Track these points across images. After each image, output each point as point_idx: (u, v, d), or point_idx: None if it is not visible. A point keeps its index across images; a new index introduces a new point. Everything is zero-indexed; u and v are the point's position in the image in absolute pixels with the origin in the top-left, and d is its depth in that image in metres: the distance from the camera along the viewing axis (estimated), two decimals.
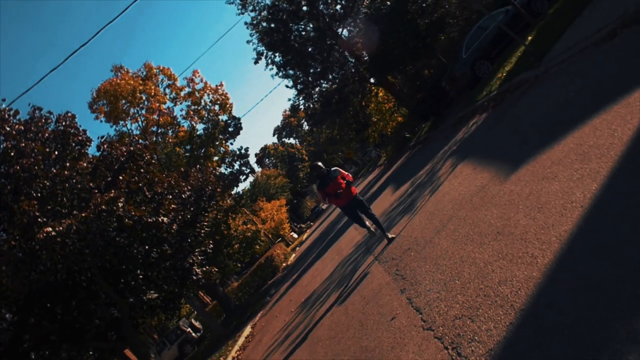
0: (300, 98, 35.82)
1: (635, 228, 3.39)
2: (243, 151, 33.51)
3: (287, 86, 35.98)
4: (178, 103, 30.85)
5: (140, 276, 16.00)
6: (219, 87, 31.33)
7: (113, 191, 13.46)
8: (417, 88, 31.99)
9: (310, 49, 33.67)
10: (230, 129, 31.82)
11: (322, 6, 33.12)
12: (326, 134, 57.35)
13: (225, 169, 33.03)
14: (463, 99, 20.34)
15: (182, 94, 30.48)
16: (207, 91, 31.05)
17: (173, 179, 16.44)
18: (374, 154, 62.03)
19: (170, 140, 31.16)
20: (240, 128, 32.12)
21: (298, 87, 35.09)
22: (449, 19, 20.98)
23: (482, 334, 3.81)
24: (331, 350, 7.00)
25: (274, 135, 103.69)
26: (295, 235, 71.34)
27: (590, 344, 2.78)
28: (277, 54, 34.08)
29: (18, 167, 13.60)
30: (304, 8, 32.83)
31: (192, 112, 30.99)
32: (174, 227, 16.47)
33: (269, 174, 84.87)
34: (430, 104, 24.60)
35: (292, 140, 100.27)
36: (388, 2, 24.94)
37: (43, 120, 15.36)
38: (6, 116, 14.70)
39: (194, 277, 19.14)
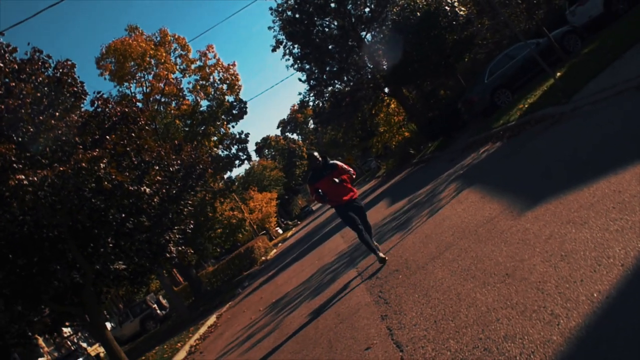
0: (312, 94, 35.15)
1: None
2: (243, 136, 32.76)
3: (300, 79, 35.19)
4: (187, 75, 30.04)
5: (111, 244, 15.21)
6: (231, 67, 30.56)
7: (97, 150, 12.68)
8: (430, 106, 31.29)
9: (330, 47, 32.96)
10: (234, 111, 31.02)
11: (350, 6, 32.43)
12: (330, 136, 56.63)
13: (222, 151, 32.25)
14: (477, 125, 19.65)
15: (192, 66, 29.67)
16: (218, 68, 30.26)
17: (164, 149, 15.67)
18: (373, 165, 61.30)
19: (172, 111, 30.33)
20: (245, 112, 31.33)
21: (311, 83, 34.43)
22: (478, 40, 20.27)
23: None
24: None
25: (278, 127, 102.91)
26: (280, 231, 70.71)
27: None
28: (296, 46, 33.41)
29: (3, 107, 12.79)
30: (332, 5, 32.12)
31: (199, 87, 30.20)
32: (155, 199, 15.71)
33: (265, 165, 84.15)
34: (442, 124, 23.89)
35: (295, 136, 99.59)
36: (418, 13, 24.17)
37: (40, 64, 14.55)
38: (2, 51, 13.88)
39: (168, 255, 18.39)
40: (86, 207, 14.07)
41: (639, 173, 4.69)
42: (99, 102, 14.99)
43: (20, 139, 13.42)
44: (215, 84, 30.47)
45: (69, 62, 15.05)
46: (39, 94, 14.05)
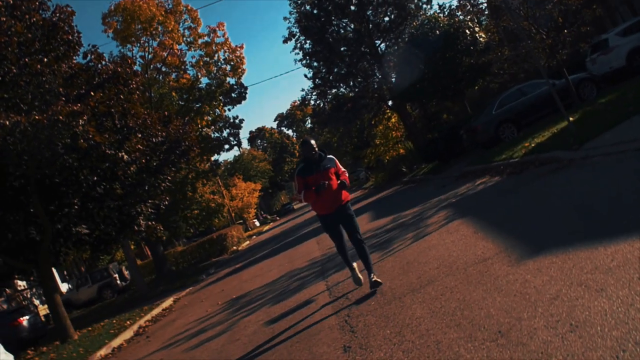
0: (314, 93, 34.52)
1: None
2: (237, 122, 31.99)
3: (306, 76, 34.59)
4: (192, 49, 29.23)
5: (77, 206, 14.40)
6: (238, 49, 29.75)
7: (79, 105, 11.89)
8: (431, 127, 30.76)
9: (342, 49, 32.34)
10: (233, 95, 30.23)
11: (370, 11, 31.82)
12: (325, 138, 55.98)
13: (214, 133, 31.44)
14: (476, 155, 19.10)
15: (199, 41, 28.81)
16: (225, 48, 29.45)
17: (150, 118, 14.88)
18: (362, 175, 60.62)
19: (170, 82, 29.45)
20: (244, 97, 30.56)
21: (316, 82, 33.80)
22: (495, 68, 19.70)
23: None
24: None
25: (275, 120, 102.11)
26: (258, 224, 69.99)
27: None
28: (308, 41, 32.80)
29: None
30: (352, 7, 31.50)
31: (202, 63, 29.36)
32: (132, 167, 14.96)
33: (255, 155, 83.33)
34: (440, 147, 23.28)
35: (290, 132, 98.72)
36: (437, 32, 23.58)
37: (37, 4, 13.73)
38: None
39: (136, 228, 17.65)
40: (58, 162, 13.28)
41: None
42: (92, 57, 14.23)
43: (0, 78, 12.62)
44: (219, 63, 29.68)
45: (69, 9, 14.27)
46: (30, 35, 13.25)
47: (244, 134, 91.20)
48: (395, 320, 5.13)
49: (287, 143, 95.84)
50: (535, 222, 6.62)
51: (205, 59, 29.40)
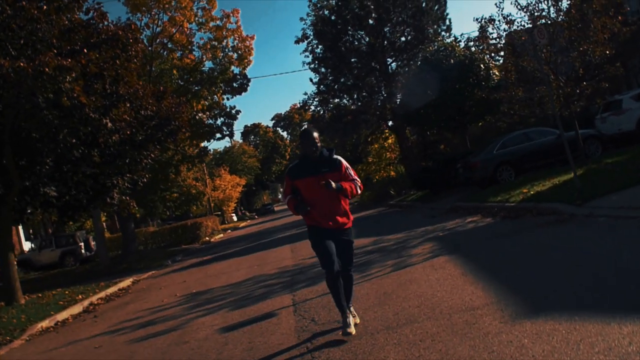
0: (317, 99, 34.03)
1: None
2: (234, 112, 31.29)
3: (311, 80, 34.16)
4: (202, 30, 28.43)
5: (48, 166, 13.62)
6: (249, 39, 29.04)
7: (69, 60, 11.16)
8: (427, 156, 30.34)
9: (353, 60, 31.94)
10: (234, 84, 29.52)
11: (388, 29, 31.42)
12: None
13: (208, 119, 30.70)
14: (469, 191, 18.60)
15: (211, 24, 28.08)
16: (236, 35, 28.74)
17: (143, 89, 14.15)
18: None
19: (174, 59, 28.69)
20: (245, 89, 29.84)
21: (320, 88, 33.34)
22: (505, 107, 19.24)
23: None
24: None
25: (272, 119, 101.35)
26: (235, 219, 69.12)
27: None
28: (320, 46, 32.35)
29: None
30: (371, 21, 31.10)
31: (209, 46, 28.64)
32: (115, 137, 14.21)
33: (245, 150, 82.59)
34: (433, 177, 22.77)
35: (284, 134, 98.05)
36: (452, 61, 23.13)
37: None
38: None
39: (109, 200, 16.89)
40: (37, 117, 12.52)
41: None
42: (95, 14, 13.48)
43: None
44: (227, 50, 28.96)
45: None
46: None
47: (238, 126, 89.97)
48: None
49: (279, 144, 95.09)
50: (533, 275, 6.02)
51: (213, 42, 28.67)
